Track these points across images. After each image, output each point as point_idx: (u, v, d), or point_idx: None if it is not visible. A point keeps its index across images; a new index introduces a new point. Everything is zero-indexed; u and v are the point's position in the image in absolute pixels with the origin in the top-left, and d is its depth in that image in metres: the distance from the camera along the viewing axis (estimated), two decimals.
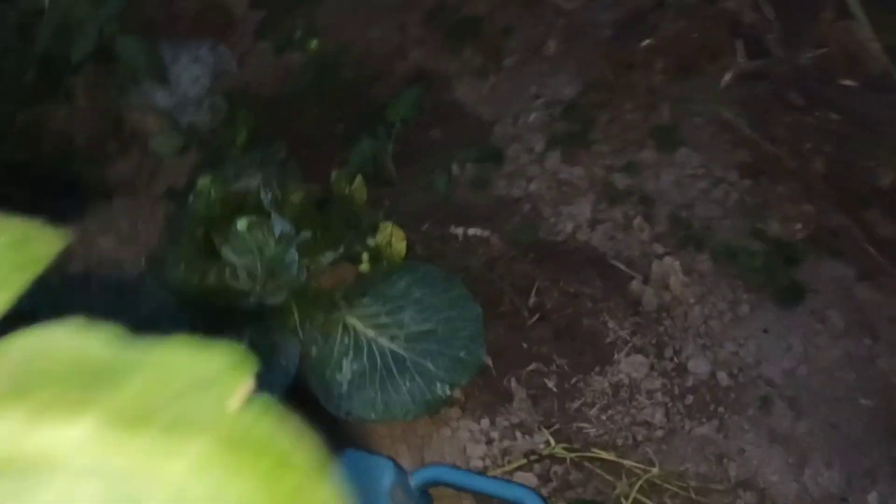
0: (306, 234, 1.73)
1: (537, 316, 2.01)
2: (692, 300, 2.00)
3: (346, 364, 1.76)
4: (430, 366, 1.75)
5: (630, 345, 1.95)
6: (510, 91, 2.54)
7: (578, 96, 2.43)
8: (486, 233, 2.18)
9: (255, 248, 1.70)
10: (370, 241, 1.89)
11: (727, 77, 2.30)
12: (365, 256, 1.89)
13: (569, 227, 2.19)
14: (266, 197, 1.71)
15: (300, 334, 1.75)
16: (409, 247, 2.07)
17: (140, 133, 2.42)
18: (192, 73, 2.19)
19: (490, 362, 1.92)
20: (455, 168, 2.34)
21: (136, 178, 2.48)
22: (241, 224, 1.70)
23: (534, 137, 2.39)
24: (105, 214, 2.44)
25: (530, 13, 2.67)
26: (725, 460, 1.82)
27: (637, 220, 2.18)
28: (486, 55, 2.63)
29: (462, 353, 1.77)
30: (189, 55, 2.21)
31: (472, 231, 2.19)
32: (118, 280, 2.00)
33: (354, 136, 2.27)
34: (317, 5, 2.67)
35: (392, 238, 1.82)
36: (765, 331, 1.95)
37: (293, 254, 1.70)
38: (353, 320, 1.82)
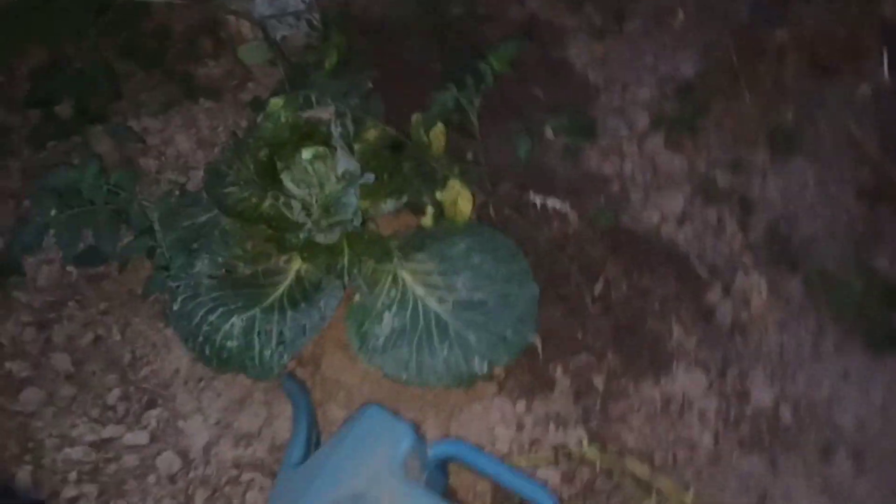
0: (370, 177, 1.63)
1: (600, 306, 1.88)
2: (772, 323, 1.83)
3: (387, 317, 1.68)
4: (472, 338, 1.65)
5: (692, 357, 1.80)
6: (624, 59, 2.35)
7: (697, 77, 2.23)
8: (566, 207, 2.04)
9: (315, 182, 1.62)
10: (438, 195, 1.78)
11: (865, 87, 2.06)
12: (430, 210, 1.79)
13: (655, 218, 2.03)
14: (336, 130, 1.62)
15: (346, 278, 1.67)
16: (480, 207, 1.96)
17: (235, 38, 2.35)
18: None
19: (539, 344, 1.81)
20: (548, 131, 2.20)
21: (224, 82, 2.43)
22: (306, 153, 1.61)
23: (639, 114, 2.21)
24: (188, 113, 2.40)
25: None
26: (768, 501, 1.68)
27: (731, 225, 2.00)
28: (607, 15, 2.44)
29: (508, 333, 1.66)
30: None
31: (550, 202, 2.06)
32: (182, 186, 1.97)
33: (447, 79, 2.14)
34: None
35: (458, 197, 1.70)
36: (845, 373, 1.77)
37: (352, 195, 1.60)
38: (404, 274, 1.73)
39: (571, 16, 2.49)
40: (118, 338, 2.03)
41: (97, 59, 2.39)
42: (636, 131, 2.18)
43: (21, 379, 1.96)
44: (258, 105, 2.33)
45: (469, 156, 2.08)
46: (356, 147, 1.78)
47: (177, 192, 1.95)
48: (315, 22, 2.12)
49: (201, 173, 2.12)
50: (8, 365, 1.98)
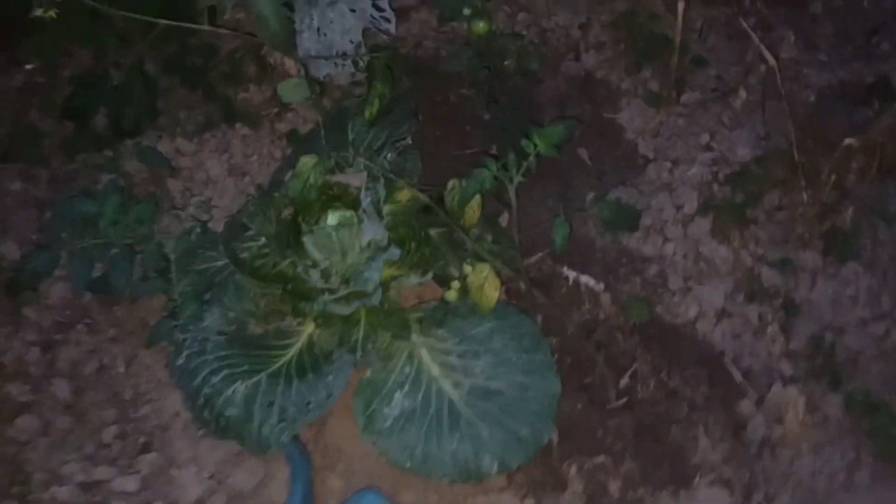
0: (396, 252, 1.54)
1: (624, 401, 1.78)
2: (805, 446, 1.71)
3: (398, 397, 1.60)
4: (485, 433, 1.56)
5: (717, 473, 1.69)
6: (679, 131, 2.24)
7: (753, 163, 2.11)
8: (600, 286, 1.94)
9: (337, 249, 1.54)
10: (467, 268, 1.69)
11: None
12: (456, 284, 1.70)
13: (692, 311, 1.92)
14: (366, 199, 1.54)
15: (359, 351, 1.58)
16: (507, 280, 1.86)
17: (278, 68, 2.29)
18: (345, 23, 2.01)
19: (555, 438, 1.71)
20: (589, 199, 2.10)
21: (264, 109, 2.36)
22: (332, 218, 1.53)
23: (687, 194, 2.10)
24: (223, 138, 2.34)
25: (732, 50, 2.33)
26: None
27: (772, 328, 1.88)
28: (666, 82, 2.33)
29: (523, 431, 1.57)
30: (349, 2, 2.02)
31: (584, 279, 1.96)
32: (204, 224, 1.90)
33: (490, 144, 2.07)
34: None
35: (486, 283, 1.61)
36: None
37: (375, 269, 1.52)
38: (420, 350, 1.64)
39: (628, 78, 2.38)
40: (122, 370, 1.97)
41: (139, 73, 2.33)
42: (682, 213, 2.07)
43: (19, 403, 1.91)
44: (295, 138, 2.26)
45: (502, 220, 1.99)
46: (386, 208, 1.70)
47: (197, 230, 1.88)
48: (361, 63, 2.04)
49: (225, 212, 2.06)
50: (8, 386, 1.93)
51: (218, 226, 1.99)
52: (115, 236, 1.74)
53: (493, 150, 2.10)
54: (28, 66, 2.53)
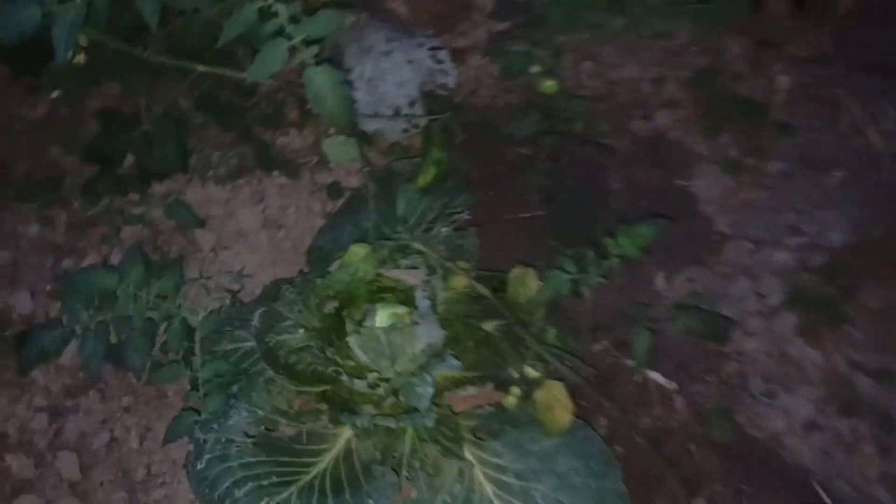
0: (454, 364, 1.34)
1: None
2: None
3: None
4: None
5: None
6: (762, 206, 2.02)
7: (847, 251, 1.88)
8: (673, 386, 1.73)
9: (387, 354, 1.33)
10: (529, 372, 1.48)
11: None
12: (516, 389, 1.49)
13: (776, 423, 1.70)
14: (422, 298, 1.33)
15: (404, 468, 1.38)
16: (570, 381, 1.65)
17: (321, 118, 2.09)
18: (401, 75, 1.81)
19: None
20: (661, 281, 1.89)
21: (304, 156, 2.17)
22: (382, 318, 1.33)
23: (771, 282, 1.88)
24: (258, 186, 2.15)
25: (823, 119, 2.10)
26: None
27: (868, 447, 1.66)
28: (747, 149, 2.11)
29: None
30: (405, 53, 1.83)
31: (655, 376, 1.75)
32: (234, 295, 1.70)
33: (552, 202, 1.85)
34: (570, 26, 2.22)
35: (557, 404, 1.39)
36: None
37: (429, 383, 1.31)
38: (473, 464, 1.44)
39: (704, 141, 2.16)
40: (135, 445, 1.79)
41: (171, 114, 2.15)
42: (765, 305, 1.85)
43: (20, 480, 1.73)
44: (336, 192, 2.07)
45: (564, 303, 1.78)
46: (439, 295, 1.49)
47: (227, 301, 1.68)
48: (415, 121, 1.84)
49: (256, 281, 1.86)
50: (9, 459, 1.76)
51: (249, 293, 1.81)
52: (134, 311, 1.54)
53: (548, 212, 1.92)
54: (52, 95, 2.36)
